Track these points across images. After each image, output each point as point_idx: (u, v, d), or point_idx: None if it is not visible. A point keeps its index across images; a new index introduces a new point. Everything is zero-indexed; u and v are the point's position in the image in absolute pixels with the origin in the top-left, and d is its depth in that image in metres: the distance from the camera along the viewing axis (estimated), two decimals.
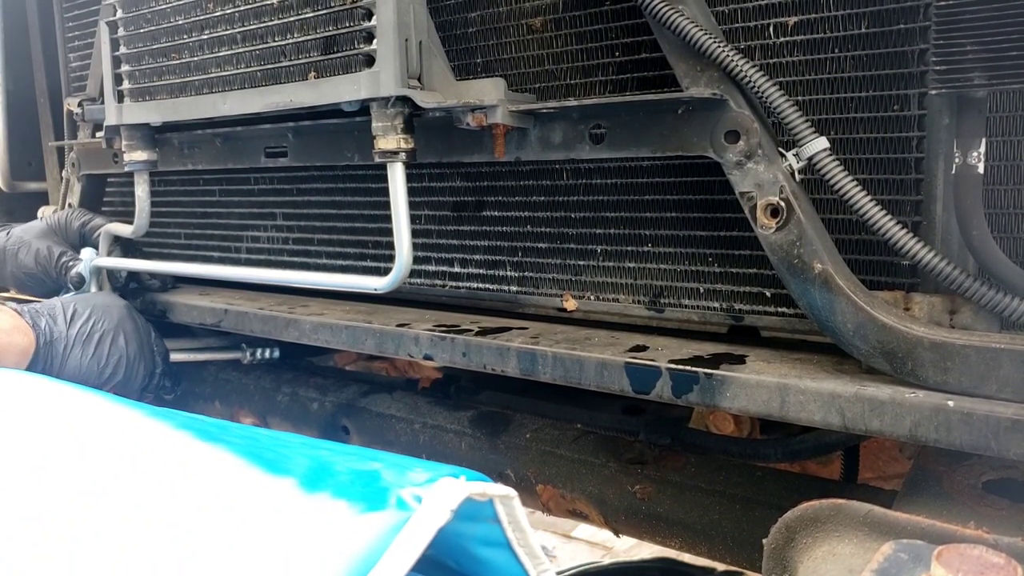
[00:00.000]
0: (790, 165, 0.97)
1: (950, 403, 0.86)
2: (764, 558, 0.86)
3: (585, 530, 3.44)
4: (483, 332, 1.26)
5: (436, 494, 0.67)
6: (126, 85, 1.49)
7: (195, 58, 1.36)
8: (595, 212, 1.28)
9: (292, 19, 1.20)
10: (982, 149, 0.91)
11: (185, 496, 0.78)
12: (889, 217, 0.91)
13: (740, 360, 1.04)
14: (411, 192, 1.24)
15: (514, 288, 1.39)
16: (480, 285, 1.43)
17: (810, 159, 0.95)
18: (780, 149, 0.99)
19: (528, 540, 0.76)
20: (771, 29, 1.05)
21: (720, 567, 1.93)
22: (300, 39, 1.20)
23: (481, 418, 1.63)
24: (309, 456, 0.82)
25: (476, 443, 1.60)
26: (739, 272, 1.15)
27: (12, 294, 1.93)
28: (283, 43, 1.22)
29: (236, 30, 1.28)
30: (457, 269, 1.46)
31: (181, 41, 1.37)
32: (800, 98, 1.04)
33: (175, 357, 1.82)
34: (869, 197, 0.92)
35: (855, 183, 0.93)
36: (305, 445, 0.88)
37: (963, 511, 0.88)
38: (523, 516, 0.75)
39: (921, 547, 0.73)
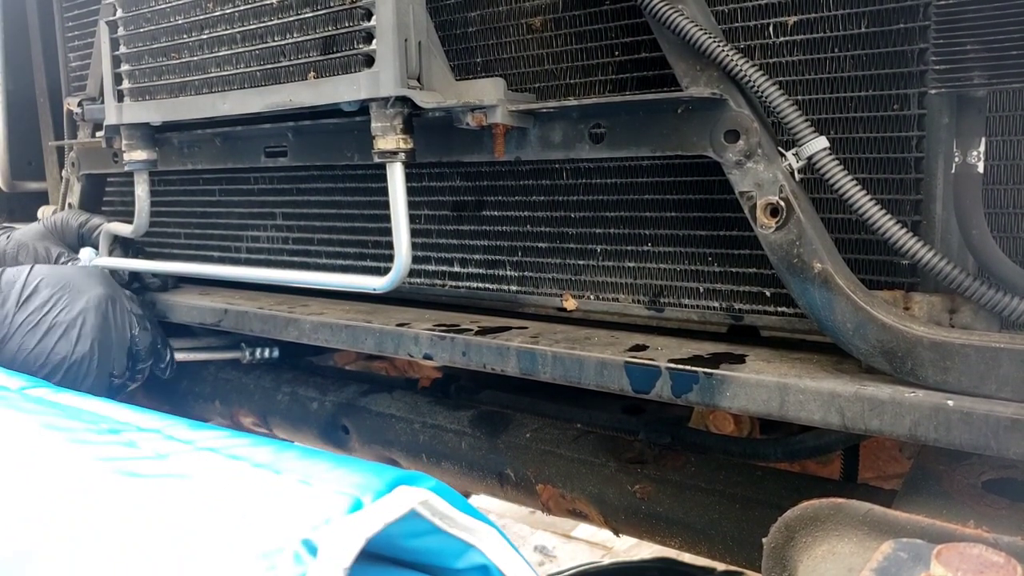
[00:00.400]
0: (790, 164, 0.97)
1: (950, 402, 0.86)
2: (764, 557, 0.86)
3: (585, 530, 3.44)
4: (483, 331, 1.26)
5: (329, 550, 0.63)
6: (126, 84, 1.49)
7: (195, 58, 1.36)
8: (595, 212, 1.28)
9: (291, 19, 1.20)
10: (982, 148, 0.91)
11: (90, 546, 0.75)
12: (889, 216, 0.91)
13: (740, 360, 1.04)
14: (411, 192, 1.24)
15: (514, 288, 1.39)
16: (480, 285, 1.43)
17: (810, 158, 0.95)
18: (780, 148, 0.99)
19: (458, 521, 0.73)
20: (771, 28, 1.05)
21: (720, 567, 1.93)
22: (299, 39, 1.20)
23: (481, 418, 1.63)
24: (218, 478, 0.78)
25: (476, 443, 1.60)
26: (739, 271, 1.15)
27: None
28: (282, 43, 1.22)
29: (236, 30, 1.28)
30: (457, 269, 1.46)
31: (181, 41, 1.37)
32: (800, 97, 1.04)
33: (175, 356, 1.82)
34: (869, 196, 0.92)
35: (855, 182, 0.93)
36: (216, 454, 0.84)
37: (963, 510, 0.88)
38: (445, 505, 0.72)
39: (921, 546, 0.73)
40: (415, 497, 0.70)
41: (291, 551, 0.64)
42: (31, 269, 1.47)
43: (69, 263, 1.70)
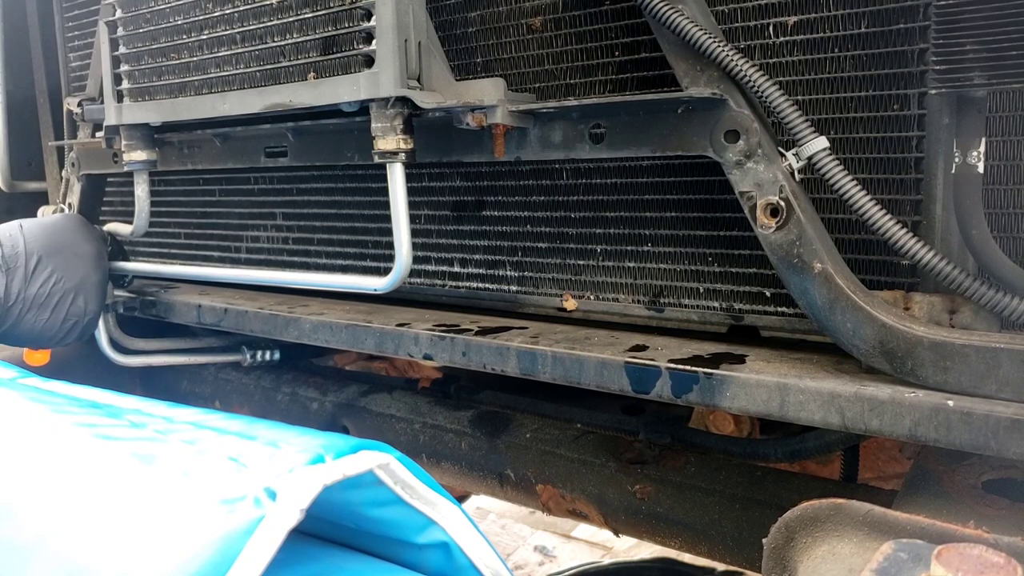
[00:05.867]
0: (790, 165, 0.97)
1: (950, 403, 0.86)
2: (764, 557, 0.86)
3: (585, 530, 3.44)
4: (483, 332, 1.26)
5: (288, 494, 0.65)
6: (126, 85, 1.49)
7: (194, 58, 1.35)
8: (595, 212, 1.28)
9: (291, 19, 1.20)
10: (982, 149, 0.91)
11: (57, 495, 0.78)
12: (889, 217, 0.91)
13: (740, 360, 1.04)
14: (411, 192, 1.24)
15: (514, 288, 1.39)
16: (480, 285, 1.43)
17: (810, 159, 0.95)
18: (780, 149, 0.99)
19: (419, 492, 0.75)
20: (771, 29, 1.05)
21: (720, 567, 1.93)
22: (299, 39, 1.20)
23: (481, 418, 1.63)
24: (190, 441, 0.81)
25: (476, 443, 1.60)
26: (739, 272, 1.15)
27: None
28: (282, 43, 1.22)
29: (235, 30, 1.28)
30: (457, 269, 1.46)
31: (180, 41, 1.37)
32: (800, 98, 1.04)
33: (174, 360, 1.82)
34: (869, 197, 0.92)
35: (855, 183, 0.93)
36: (191, 426, 0.87)
37: (963, 511, 0.88)
38: (406, 473, 0.74)
39: (921, 546, 0.73)
40: (376, 459, 0.72)
41: (252, 497, 0.66)
42: (23, 234, 1.53)
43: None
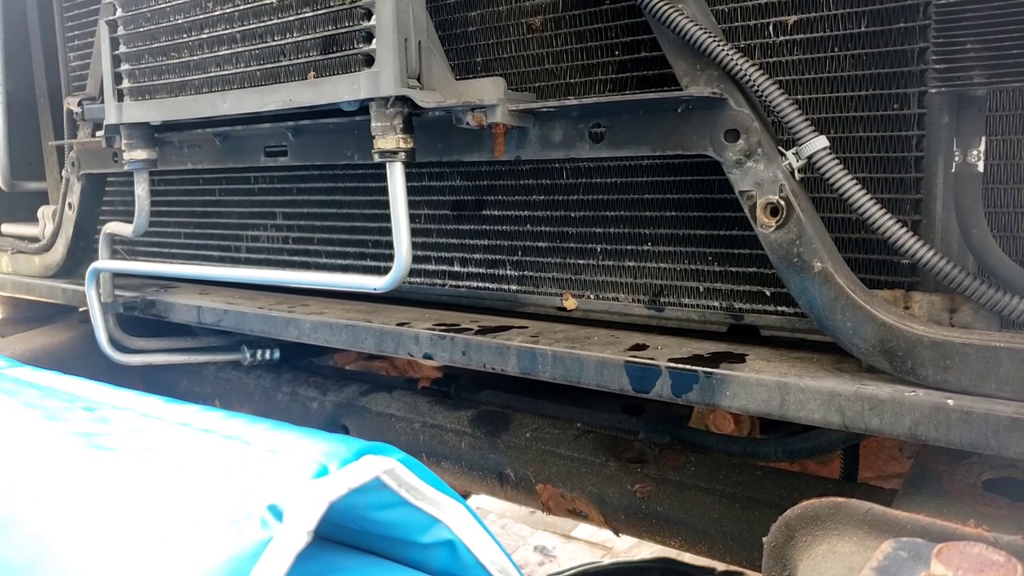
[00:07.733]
0: (790, 164, 0.97)
1: (950, 402, 0.86)
2: (764, 556, 0.86)
3: (585, 530, 3.44)
4: (483, 331, 1.26)
5: (294, 514, 0.64)
6: (126, 84, 1.49)
7: (194, 57, 1.35)
8: (595, 211, 1.28)
9: (291, 19, 1.20)
10: (982, 148, 0.91)
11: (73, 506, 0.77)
12: (889, 216, 0.91)
13: (740, 359, 1.04)
14: (411, 191, 1.24)
15: (514, 287, 1.39)
16: (480, 284, 1.43)
17: (810, 158, 0.95)
18: (780, 148, 0.99)
19: (424, 493, 0.74)
20: (771, 28, 1.05)
21: (720, 567, 1.93)
22: (299, 38, 1.20)
23: (481, 417, 1.63)
24: (186, 447, 0.80)
25: (476, 442, 1.60)
26: (739, 271, 1.15)
27: None
28: (282, 42, 1.22)
29: (235, 29, 1.28)
30: (457, 268, 1.46)
31: (180, 40, 1.37)
32: (800, 97, 1.04)
33: (174, 359, 1.82)
34: (869, 196, 0.92)
35: (855, 182, 0.93)
36: (184, 427, 0.85)
37: (963, 509, 0.88)
38: (410, 476, 0.73)
39: (921, 545, 0.73)
40: (380, 465, 0.71)
41: (258, 516, 0.65)
42: None
43: None
